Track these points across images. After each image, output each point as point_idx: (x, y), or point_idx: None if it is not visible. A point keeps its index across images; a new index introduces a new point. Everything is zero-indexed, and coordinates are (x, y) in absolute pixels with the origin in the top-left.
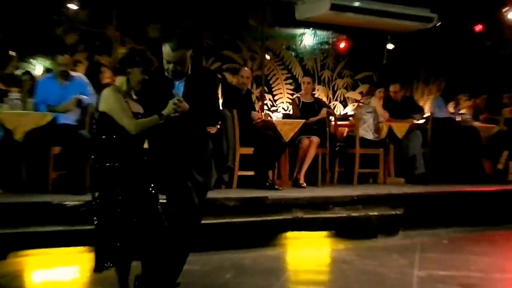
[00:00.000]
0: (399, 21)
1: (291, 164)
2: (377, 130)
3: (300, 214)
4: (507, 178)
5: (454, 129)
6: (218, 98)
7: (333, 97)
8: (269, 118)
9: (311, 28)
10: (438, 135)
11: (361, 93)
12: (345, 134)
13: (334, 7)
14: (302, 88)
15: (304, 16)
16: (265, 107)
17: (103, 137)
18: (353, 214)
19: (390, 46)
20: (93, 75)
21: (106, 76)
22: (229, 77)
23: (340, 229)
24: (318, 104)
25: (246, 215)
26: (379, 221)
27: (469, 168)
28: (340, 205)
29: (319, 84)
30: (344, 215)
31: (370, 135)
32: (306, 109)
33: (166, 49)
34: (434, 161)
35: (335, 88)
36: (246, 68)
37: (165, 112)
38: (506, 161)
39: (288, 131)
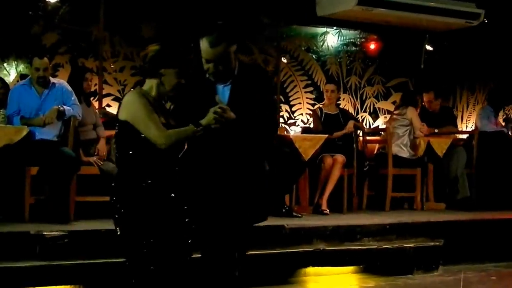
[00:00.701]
0: (440, 18)
1: (311, 187)
2: (413, 146)
3: (322, 246)
4: None
5: (505, 145)
6: (274, 106)
7: (362, 108)
8: (285, 132)
9: (335, 27)
10: (486, 152)
11: (394, 102)
12: (375, 152)
13: (362, 1)
14: (324, 97)
15: (327, 12)
16: (281, 120)
17: (125, 153)
18: (385, 246)
19: (428, 47)
20: (77, 81)
21: (92, 83)
22: None
23: (370, 264)
24: (343, 116)
25: (258, 247)
26: (415, 254)
27: None
28: (370, 235)
29: (344, 92)
30: (375, 247)
31: (405, 153)
32: (330, 122)
33: (204, 45)
34: (480, 183)
35: (364, 97)
36: None
37: (203, 121)
38: None
39: (308, 148)
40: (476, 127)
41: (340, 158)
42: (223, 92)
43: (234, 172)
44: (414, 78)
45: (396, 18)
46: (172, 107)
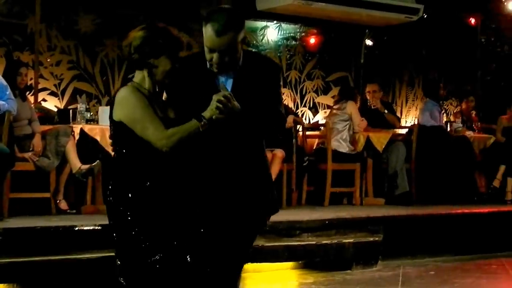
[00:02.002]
0: (380, 13)
1: None
2: (353, 141)
3: (261, 242)
4: (504, 197)
5: (444, 140)
6: (281, 99)
7: (301, 103)
8: None
9: (275, 21)
10: (425, 147)
11: (334, 97)
12: (315, 147)
13: None
14: None
15: (267, 6)
16: None
17: (122, 157)
18: (324, 242)
19: (368, 42)
20: (12, 75)
21: (28, 77)
22: None
23: (309, 260)
24: None
25: None
26: (354, 249)
27: (460, 186)
28: (309, 231)
29: (284, 87)
30: (314, 242)
31: (344, 148)
32: None
33: (208, 32)
34: (419, 178)
35: (304, 92)
36: None
37: (206, 114)
38: (503, 177)
39: None
40: (418, 121)
41: (280, 153)
42: (225, 83)
43: (240, 167)
44: (354, 73)
45: (336, 12)
46: (165, 98)
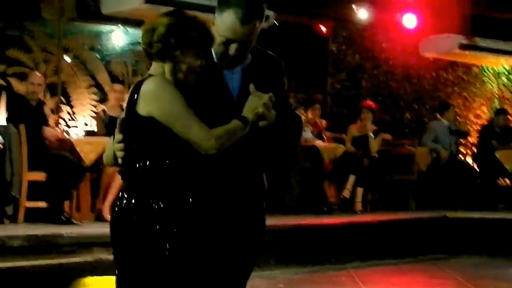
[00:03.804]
0: None
1: (93, 193)
2: None
3: (104, 255)
4: (353, 208)
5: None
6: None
7: None
8: (66, 135)
9: (120, 25)
10: None
11: None
12: None
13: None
14: (110, 98)
15: (113, 9)
16: (62, 122)
17: (146, 162)
18: None
19: None
20: None
21: None
22: (16, 84)
23: None
24: None
25: (35, 257)
26: None
27: (310, 196)
28: None
29: None
30: None
31: None
32: (114, 125)
33: (230, 20)
34: (267, 188)
35: None
36: (37, 73)
37: (249, 115)
38: (353, 188)
39: (89, 152)
40: None
41: None
42: (232, 80)
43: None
44: None
45: None
46: None
